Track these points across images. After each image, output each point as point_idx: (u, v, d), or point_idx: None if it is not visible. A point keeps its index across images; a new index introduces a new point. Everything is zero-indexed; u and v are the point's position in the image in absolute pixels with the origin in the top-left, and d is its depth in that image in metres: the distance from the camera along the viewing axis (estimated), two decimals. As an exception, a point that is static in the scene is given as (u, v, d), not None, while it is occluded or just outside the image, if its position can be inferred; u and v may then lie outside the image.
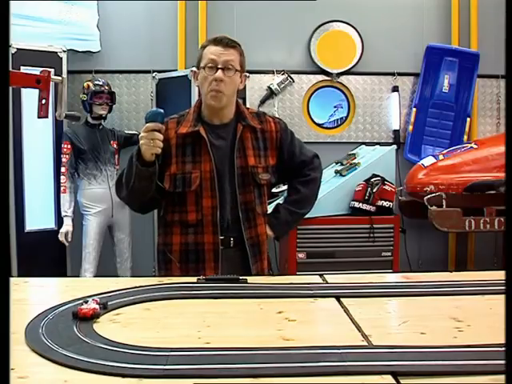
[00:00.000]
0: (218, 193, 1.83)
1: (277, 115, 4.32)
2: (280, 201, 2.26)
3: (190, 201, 1.84)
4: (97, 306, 1.30)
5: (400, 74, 4.48)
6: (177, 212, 1.86)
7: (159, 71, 4.23)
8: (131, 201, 1.91)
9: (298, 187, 2.05)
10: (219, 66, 1.81)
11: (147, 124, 1.67)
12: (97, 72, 4.23)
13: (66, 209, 3.63)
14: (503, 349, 0.71)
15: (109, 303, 1.36)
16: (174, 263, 1.88)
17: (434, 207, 3.62)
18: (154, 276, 1.88)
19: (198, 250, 1.84)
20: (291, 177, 2.07)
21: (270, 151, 1.93)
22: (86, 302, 1.31)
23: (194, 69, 1.93)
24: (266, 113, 2.06)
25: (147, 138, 1.67)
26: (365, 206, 3.72)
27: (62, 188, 3.65)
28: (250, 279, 1.64)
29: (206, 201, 1.83)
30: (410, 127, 4.43)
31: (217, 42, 1.84)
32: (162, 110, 1.72)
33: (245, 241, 1.86)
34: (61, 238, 3.65)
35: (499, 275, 1.40)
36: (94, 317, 1.28)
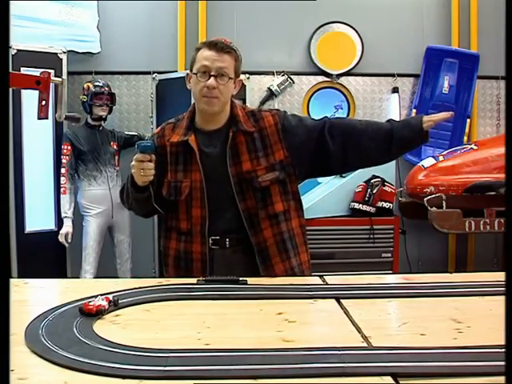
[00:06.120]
0: (207, 203, 1.79)
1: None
2: None
3: (182, 209, 1.83)
4: (103, 303, 1.31)
5: (400, 75, 4.49)
6: (173, 218, 1.86)
7: (159, 72, 4.23)
8: (134, 212, 2.01)
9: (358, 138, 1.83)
10: (212, 73, 1.74)
11: (137, 155, 1.70)
12: (97, 73, 4.23)
13: (66, 210, 3.63)
14: (503, 350, 0.71)
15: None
16: (171, 267, 1.89)
17: (433, 208, 3.62)
18: (154, 277, 1.88)
19: (187, 259, 1.83)
20: (333, 149, 1.82)
21: (274, 146, 1.82)
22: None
23: (188, 71, 1.86)
24: (262, 108, 1.98)
25: (137, 168, 1.70)
26: (365, 207, 3.72)
27: (62, 189, 3.66)
28: (250, 280, 1.64)
29: (196, 210, 1.81)
30: (410, 128, 4.42)
31: (211, 45, 1.76)
32: (150, 142, 1.74)
33: (253, 247, 1.80)
34: (61, 239, 3.65)
35: (499, 276, 1.40)
36: (98, 313, 1.29)
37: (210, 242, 1.81)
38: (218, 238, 1.81)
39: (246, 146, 1.82)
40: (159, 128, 1.94)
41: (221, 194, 1.81)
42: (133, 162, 1.71)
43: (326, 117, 1.91)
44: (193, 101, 1.87)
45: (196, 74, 1.77)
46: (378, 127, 1.87)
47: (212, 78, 1.74)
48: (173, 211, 1.86)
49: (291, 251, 1.84)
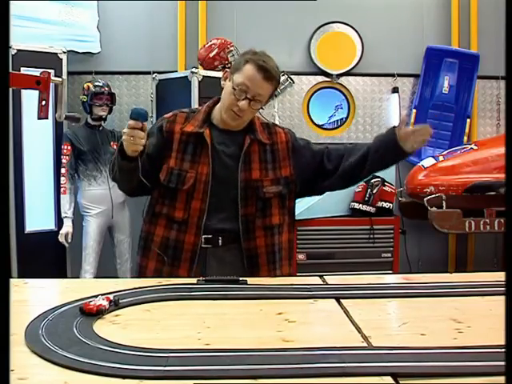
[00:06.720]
0: (209, 197, 1.80)
1: (277, 116, 4.34)
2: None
3: (181, 198, 1.82)
4: (104, 303, 1.31)
5: (400, 75, 4.49)
6: (166, 205, 1.85)
7: (159, 72, 4.23)
8: (118, 185, 1.93)
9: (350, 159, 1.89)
10: (249, 96, 1.77)
11: (129, 121, 1.65)
12: (97, 73, 4.24)
13: (66, 210, 3.63)
14: (503, 350, 0.71)
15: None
16: (153, 253, 1.89)
17: (433, 208, 3.62)
18: (154, 277, 1.88)
19: (177, 248, 1.83)
20: (330, 169, 1.92)
21: (282, 162, 1.89)
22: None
23: (229, 70, 1.87)
24: (276, 123, 2.04)
25: (128, 134, 1.65)
26: (365, 207, 3.72)
27: (62, 189, 3.65)
28: (250, 280, 1.64)
29: (196, 202, 1.81)
30: (410, 128, 4.42)
31: (261, 69, 1.77)
32: (145, 110, 1.68)
33: (243, 252, 1.83)
34: (61, 239, 3.65)
35: (499, 276, 1.40)
36: (98, 313, 1.29)
37: (203, 240, 1.82)
38: (210, 236, 1.82)
39: (259, 156, 1.87)
40: (171, 113, 1.92)
41: (224, 193, 1.83)
42: (125, 129, 1.66)
43: (327, 146, 2.00)
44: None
45: (234, 87, 1.78)
46: (361, 145, 1.95)
47: (246, 101, 1.77)
48: (164, 197, 1.84)
49: (278, 263, 1.90)
